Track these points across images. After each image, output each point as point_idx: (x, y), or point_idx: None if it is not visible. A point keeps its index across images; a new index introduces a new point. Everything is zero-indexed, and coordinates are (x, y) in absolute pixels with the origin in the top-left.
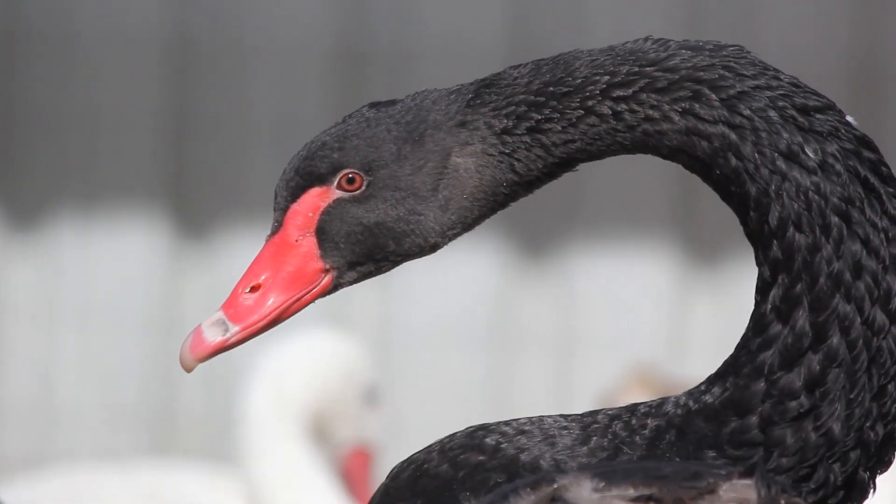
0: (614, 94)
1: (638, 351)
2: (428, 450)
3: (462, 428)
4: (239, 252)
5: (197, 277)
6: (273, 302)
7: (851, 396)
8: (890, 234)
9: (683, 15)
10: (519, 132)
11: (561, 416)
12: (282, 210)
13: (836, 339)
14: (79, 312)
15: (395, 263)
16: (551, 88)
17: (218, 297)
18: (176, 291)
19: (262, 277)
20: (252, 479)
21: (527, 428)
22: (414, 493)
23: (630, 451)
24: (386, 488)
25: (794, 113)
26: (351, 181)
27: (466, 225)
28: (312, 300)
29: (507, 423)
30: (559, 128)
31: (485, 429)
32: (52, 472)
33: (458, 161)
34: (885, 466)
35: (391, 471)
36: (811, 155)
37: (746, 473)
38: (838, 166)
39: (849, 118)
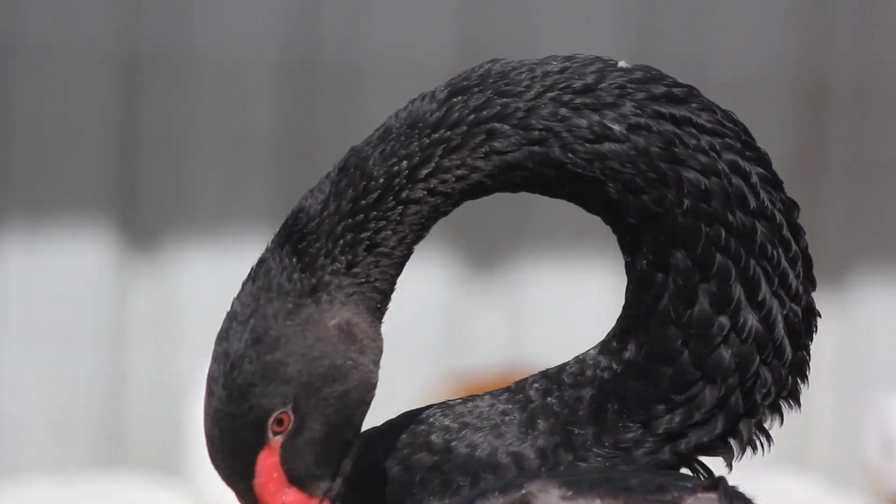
0: (420, 176)
1: None
2: (371, 448)
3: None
4: (187, 265)
5: (145, 291)
6: None
7: (759, 299)
8: (717, 146)
9: (632, 29)
10: (361, 258)
11: (489, 395)
12: (249, 492)
13: (720, 258)
14: (26, 325)
15: (362, 420)
16: (363, 202)
17: (165, 311)
18: (123, 305)
19: None
20: (202, 491)
21: (467, 420)
22: (376, 497)
23: (581, 430)
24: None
25: (580, 100)
26: (280, 423)
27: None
28: None
29: (442, 411)
30: (391, 232)
31: (423, 422)
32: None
33: (339, 322)
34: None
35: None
36: (615, 127)
37: (710, 488)
38: (643, 120)
39: (621, 64)
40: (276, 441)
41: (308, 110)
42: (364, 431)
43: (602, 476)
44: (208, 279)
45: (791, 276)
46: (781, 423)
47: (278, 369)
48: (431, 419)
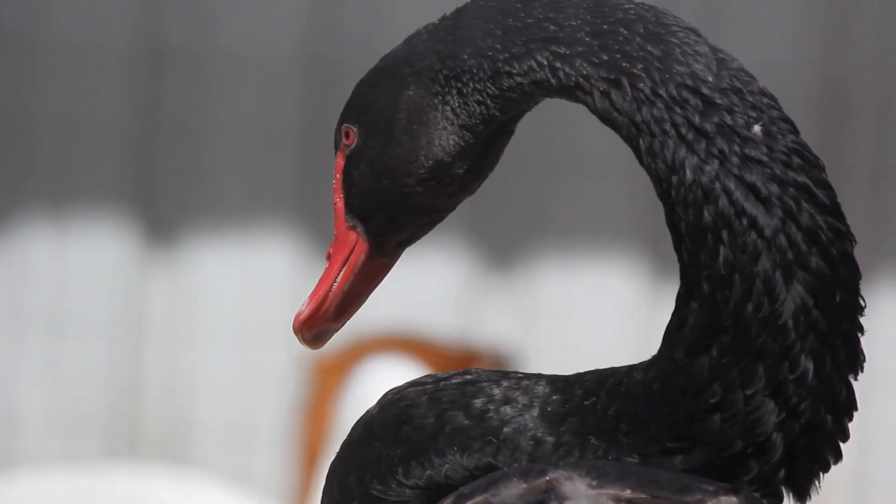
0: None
1: (603, 365)
2: (421, 389)
3: None
4: (205, 260)
5: (163, 285)
6: (328, 271)
7: (751, 391)
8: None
9: None
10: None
11: (549, 379)
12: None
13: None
14: (44, 316)
15: (417, 203)
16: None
17: (183, 304)
18: (142, 298)
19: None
20: (211, 483)
21: (514, 395)
22: (396, 439)
23: (597, 441)
24: (372, 419)
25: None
26: (347, 136)
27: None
28: (357, 263)
29: (496, 381)
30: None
31: (475, 384)
32: (19, 475)
33: (425, 103)
34: None
35: (383, 398)
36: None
37: (733, 492)
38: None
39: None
40: (345, 150)
41: (332, 105)
42: (429, 374)
43: (629, 469)
44: (226, 274)
45: (802, 392)
46: None
47: (364, 93)
48: (484, 382)
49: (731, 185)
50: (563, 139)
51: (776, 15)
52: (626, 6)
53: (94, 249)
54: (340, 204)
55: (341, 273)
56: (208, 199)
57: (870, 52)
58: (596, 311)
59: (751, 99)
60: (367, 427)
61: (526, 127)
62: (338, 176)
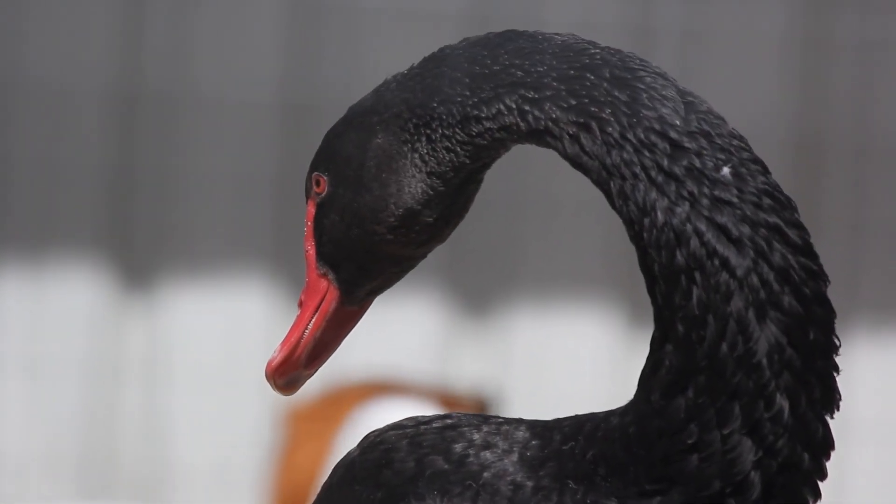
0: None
1: (580, 410)
2: (401, 433)
3: None
4: (181, 305)
5: (139, 329)
6: (300, 318)
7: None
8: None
9: None
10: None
11: (528, 424)
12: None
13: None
14: (19, 361)
15: (381, 252)
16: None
17: (158, 349)
18: (117, 343)
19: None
20: None
21: (494, 441)
22: (376, 482)
23: (575, 485)
24: (352, 462)
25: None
26: (318, 184)
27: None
28: (328, 311)
29: (477, 425)
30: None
31: (455, 428)
32: None
33: (393, 151)
34: None
35: (364, 440)
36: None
37: None
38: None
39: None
40: (315, 199)
41: (307, 151)
42: (410, 417)
43: None
44: (202, 319)
45: (780, 434)
46: None
47: (333, 142)
48: (465, 428)
49: (702, 226)
50: (537, 186)
51: (754, 70)
52: (592, 51)
53: (70, 294)
54: (312, 251)
55: (313, 320)
56: (185, 245)
57: (845, 106)
58: (572, 357)
59: (719, 141)
60: (348, 470)
61: (500, 174)
62: (309, 224)
